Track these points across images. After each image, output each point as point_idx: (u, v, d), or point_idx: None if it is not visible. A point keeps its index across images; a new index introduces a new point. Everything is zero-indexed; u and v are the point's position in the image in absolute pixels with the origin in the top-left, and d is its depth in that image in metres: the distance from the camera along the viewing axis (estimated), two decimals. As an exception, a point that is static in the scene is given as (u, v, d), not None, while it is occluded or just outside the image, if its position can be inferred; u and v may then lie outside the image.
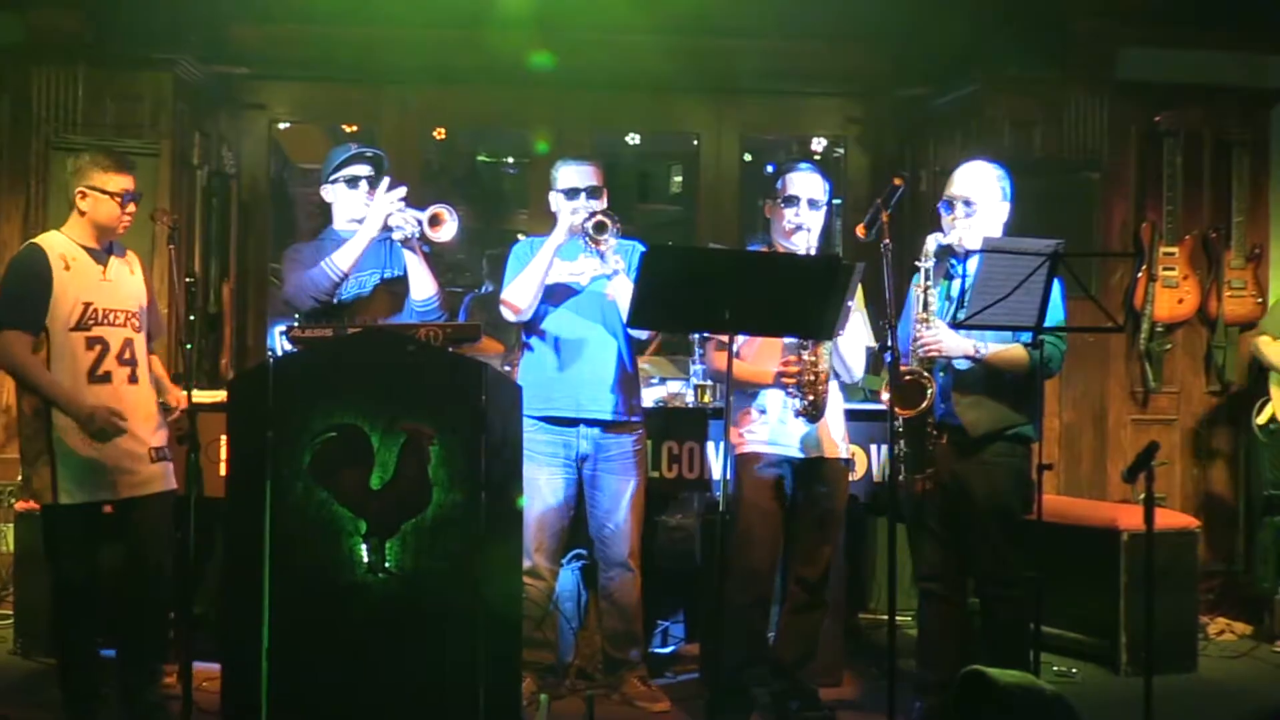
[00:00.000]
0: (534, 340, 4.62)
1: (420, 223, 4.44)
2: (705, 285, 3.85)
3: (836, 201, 6.90)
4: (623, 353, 4.59)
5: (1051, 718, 3.32)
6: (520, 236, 6.09)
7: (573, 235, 4.49)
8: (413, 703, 3.49)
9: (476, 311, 6.42)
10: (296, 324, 4.38)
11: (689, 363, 5.56)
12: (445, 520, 3.51)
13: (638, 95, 7.01)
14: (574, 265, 4.60)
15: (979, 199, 4.22)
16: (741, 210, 7.14)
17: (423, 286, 4.52)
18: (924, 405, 4.08)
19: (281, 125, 7.20)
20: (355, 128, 7.31)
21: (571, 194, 4.58)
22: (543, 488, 4.50)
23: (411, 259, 4.51)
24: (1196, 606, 5.39)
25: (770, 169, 6.39)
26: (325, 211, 4.76)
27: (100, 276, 4.12)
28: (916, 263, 4.22)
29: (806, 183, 4.36)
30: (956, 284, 4.21)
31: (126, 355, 4.12)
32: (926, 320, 4.14)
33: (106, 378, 4.07)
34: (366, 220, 4.45)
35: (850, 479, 4.58)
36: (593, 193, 4.58)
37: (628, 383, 4.59)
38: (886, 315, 3.94)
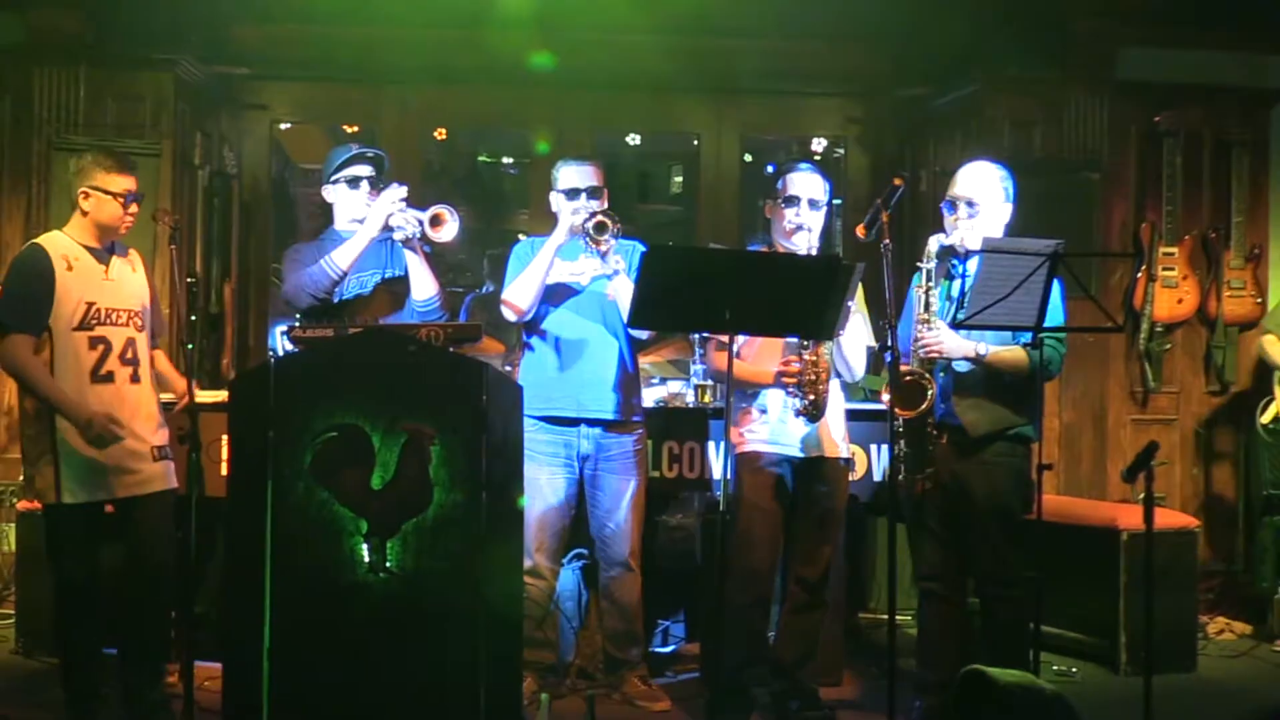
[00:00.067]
0: (535, 340, 4.63)
1: (421, 223, 4.45)
2: (706, 285, 3.86)
3: (837, 202, 6.90)
4: (623, 353, 4.60)
5: (1051, 717, 3.32)
6: (521, 236, 6.10)
7: (573, 235, 4.50)
8: (414, 702, 3.50)
9: (477, 311, 6.42)
10: (298, 324, 4.38)
11: (689, 363, 5.57)
12: (446, 520, 3.51)
13: (638, 95, 7.01)
14: (575, 265, 4.60)
15: (982, 199, 4.22)
16: (742, 210, 7.14)
17: (424, 286, 4.53)
18: (924, 406, 4.08)
19: (283, 125, 7.21)
20: (356, 128, 7.32)
21: (572, 194, 4.59)
22: (544, 487, 4.51)
23: (412, 259, 4.52)
24: (1196, 606, 5.39)
25: (770, 169, 6.41)
26: (326, 212, 4.77)
27: (103, 276, 4.13)
28: (918, 263, 4.22)
29: (807, 183, 4.37)
30: (958, 284, 4.21)
31: (129, 355, 4.13)
32: (928, 321, 4.15)
33: (109, 377, 4.07)
34: (367, 220, 4.46)
35: (850, 479, 4.58)
36: (593, 193, 4.58)
37: (628, 383, 4.60)
38: (886, 315, 3.95)
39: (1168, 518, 5.22)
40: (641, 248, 4.37)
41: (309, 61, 6.71)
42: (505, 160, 9.55)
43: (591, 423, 4.54)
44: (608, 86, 6.85)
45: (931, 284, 4.18)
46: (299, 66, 6.73)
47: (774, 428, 4.31)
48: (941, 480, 4.17)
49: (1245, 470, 6.22)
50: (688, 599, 5.26)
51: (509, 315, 4.59)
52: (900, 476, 4.12)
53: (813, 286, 3.91)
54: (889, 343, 3.93)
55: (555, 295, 4.58)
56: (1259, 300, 6.31)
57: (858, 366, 4.41)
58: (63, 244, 4.11)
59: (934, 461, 4.14)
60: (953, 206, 4.25)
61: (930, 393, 4.09)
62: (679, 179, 9.41)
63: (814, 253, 4.34)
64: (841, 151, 7.31)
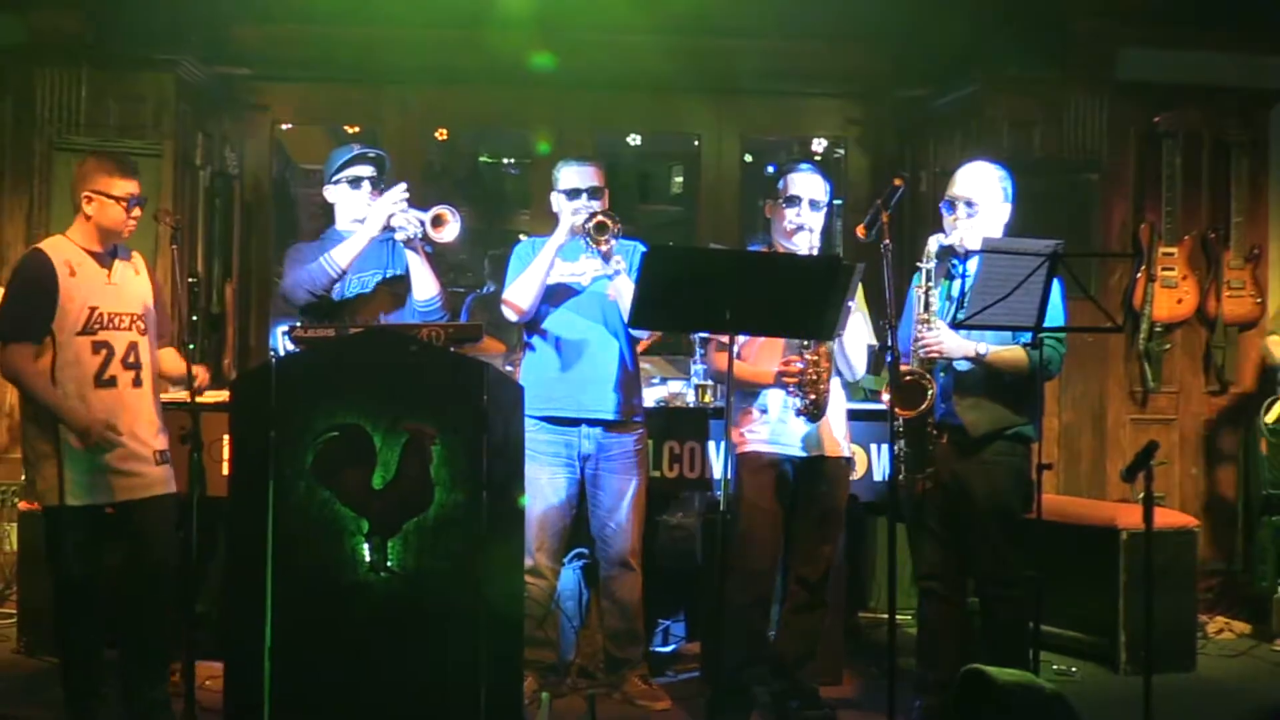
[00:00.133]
0: (536, 340, 4.64)
1: (423, 223, 4.46)
2: (706, 285, 3.87)
3: (837, 202, 6.91)
4: (624, 353, 4.61)
5: (1051, 717, 3.33)
6: (522, 237, 6.10)
7: (574, 236, 4.51)
8: (414, 701, 3.50)
9: (478, 312, 6.43)
10: (299, 324, 4.39)
11: (689, 363, 5.57)
12: (447, 520, 3.52)
13: (638, 96, 7.02)
14: (575, 265, 4.61)
15: (981, 199, 4.23)
16: (742, 211, 7.15)
17: (425, 287, 4.53)
18: (924, 406, 4.09)
19: (284, 126, 7.22)
20: (357, 128, 7.32)
21: (573, 194, 4.60)
22: (544, 487, 4.51)
23: (414, 259, 4.53)
24: (1195, 605, 5.40)
25: (771, 169, 6.41)
26: (328, 212, 4.78)
27: (105, 280, 4.13)
28: (918, 263, 4.23)
29: (807, 183, 4.38)
30: (957, 284, 4.22)
31: (131, 359, 4.13)
32: (928, 321, 4.16)
33: (112, 382, 4.08)
34: (368, 219, 4.47)
35: (850, 478, 4.58)
36: (594, 193, 4.59)
37: (629, 382, 4.61)
38: (886, 315, 3.96)
39: (1167, 517, 5.22)
40: (642, 248, 4.38)
41: (310, 62, 6.71)
42: (506, 160, 9.55)
43: (592, 423, 4.54)
44: (608, 87, 6.86)
45: (931, 284, 4.19)
46: (300, 67, 6.74)
47: (774, 427, 4.32)
48: (942, 480, 4.17)
49: (1245, 470, 6.22)
50: (688, 598, 5.27)
51: (510, 315, 4.60)
52: (900, 476, 4.13)
53: (813, 287, 3.91)
54: (889, 343, 3.94)
55: (556, 295, 4.59)
56: (1258, 300, 6.32)
57: (859, 366, 4.42)
58: (65, 249, 4.11)
59: (934, 461, 4.15)
60: (951, 206, 4.25)
61: (930, 393, 4.10)
62: (679, 179, 9.41)
63: (814, 253, 4.35)
64: (842, 152, 7.32)
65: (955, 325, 4.05)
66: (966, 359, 4.14)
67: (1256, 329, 6.34)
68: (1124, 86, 6.33)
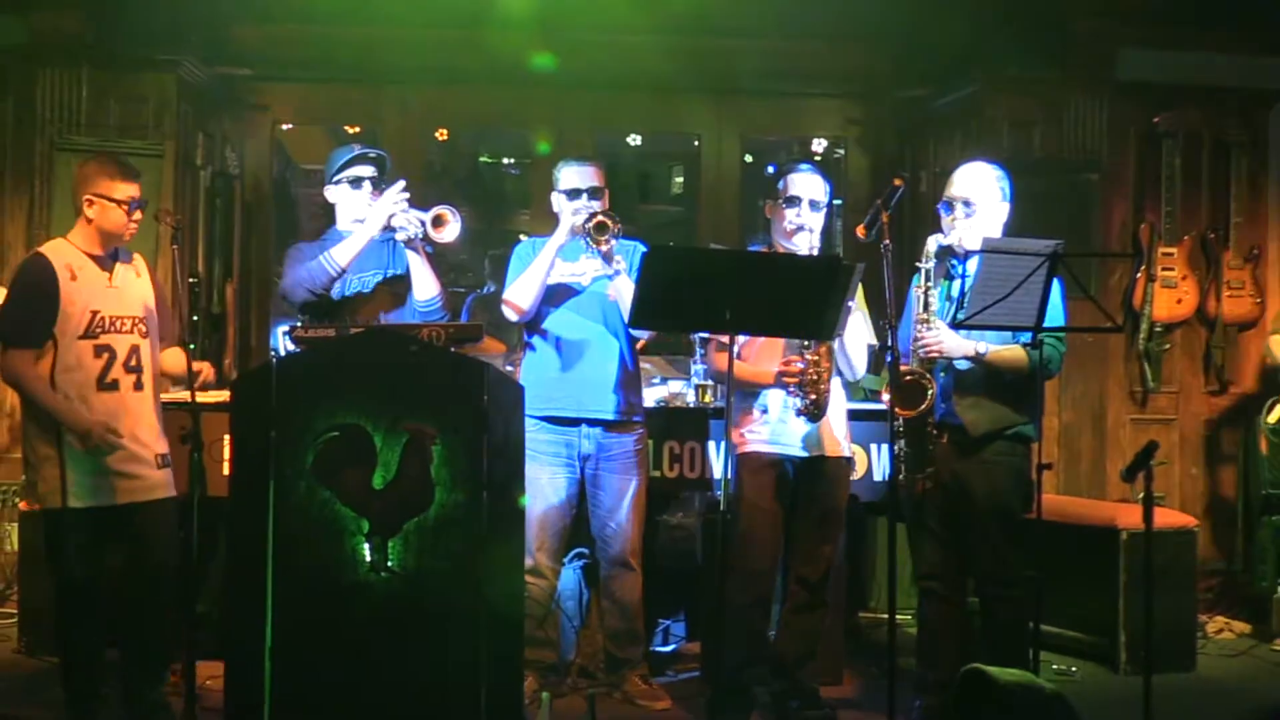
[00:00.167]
0: (536, 340, 4.64)
1: (423, 223, 4.46)
2: (706, 285, 3.87)
3: (837, 202, 6.91)
4: (624, 353, 4.61)
5: (1051, 716, 3.33)
6: (522, 237, 6.11)
7: (574, 236, 4.51)
8: (415, 701, 3.50)
9: (479, 312, 6.43)
10: (300, 324, 4.40)
11: (689, 363, 5.58)
12: (447, 520, 3.52)
13: (639, 96, 7.02)
14: (576, 265, 4.62)
15: (978, 199, 4.24)
16: (742, 211, 7.15)
17: (426, 287, 4.54)
18: (924, 406, 4.09)
19: (284, 126, 7.22)
20: (358, 129, 7.33)
21: (573, 194, 4.60)
22: (545, 487, 4.52)
23: (414, 259, 4.53)
24: (1195, 605, 5.41)
25: (771, 170, 6.40)
26: (328, 212, 4.78)
27: (106, 284, 4.13)
28: (917, 263, 4.24)
29: (807, 183, 4.38)
30: (957, 284, 4.23)
31: (133, 362, 4.14)
32: (927, 321, 4.16)
33: (114, 385, 4.08)
34: (368, 218, 4.48)
35: (850, 478, 4.59)
36: (594, 193, 4.60)
37: (629, 382, 4.61)
38: (887, 315, 3.96)
39: (1167, 517, 5.22)
40: (642, 248, 4.38)
41: (310, 62, 6.72)
42: (506, 160, 9.56)
43: (592, 422, 4.55)
44: (608, 87, 6.86)
45: (930, 284, 4.19)
46: (301, 67, 6.74)
47: (775, 427, 4.32)
48: (942, 480, 4.18)
49: (1244, 470, 6.22)
50: (688, 598, 5.28)
51: (510, 315, 4.60)
52: (900, 476, 4.13)
53: (813, 287, 3.92)
54: (889, 342, 3.95)
55: (556, 295, 4.59)
56: (1258, 300, 6.33)
57: (859, 365, 4.43)
58: (66, 252, 4.11)
59: (934, 461, 4.15)
60: (949, 207, 4.26)
61: (930, 392, 4.10)
62: (680, 179, 9.41)
63: (815, 253, 4.35)
64: (842, 152, 7.32)
65: (955, 325, 4.06)
66: (966, 358, 4.15)
67: (1256, 329, 6.35)
68: (1124, 87, 6.34)
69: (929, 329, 4.15)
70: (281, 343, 5.02)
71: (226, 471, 4.00)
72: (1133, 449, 5.63)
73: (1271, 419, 5.83)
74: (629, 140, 8.09)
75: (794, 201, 4.36)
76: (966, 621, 4.35)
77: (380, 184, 4.61)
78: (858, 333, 4.38)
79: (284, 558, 3.53)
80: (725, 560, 4.10)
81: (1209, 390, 6.44)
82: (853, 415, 4.58)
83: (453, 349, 3.86)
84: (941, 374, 4.20)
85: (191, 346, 4.20)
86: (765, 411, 4.33)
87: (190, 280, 6.16)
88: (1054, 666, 5.01)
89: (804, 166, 4.48)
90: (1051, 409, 6.03)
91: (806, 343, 4.20)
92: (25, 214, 6.04)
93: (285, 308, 4.80)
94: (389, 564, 3.52)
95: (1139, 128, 6.37)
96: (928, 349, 4.14)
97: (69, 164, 5.23)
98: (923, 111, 6.74)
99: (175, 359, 4.33)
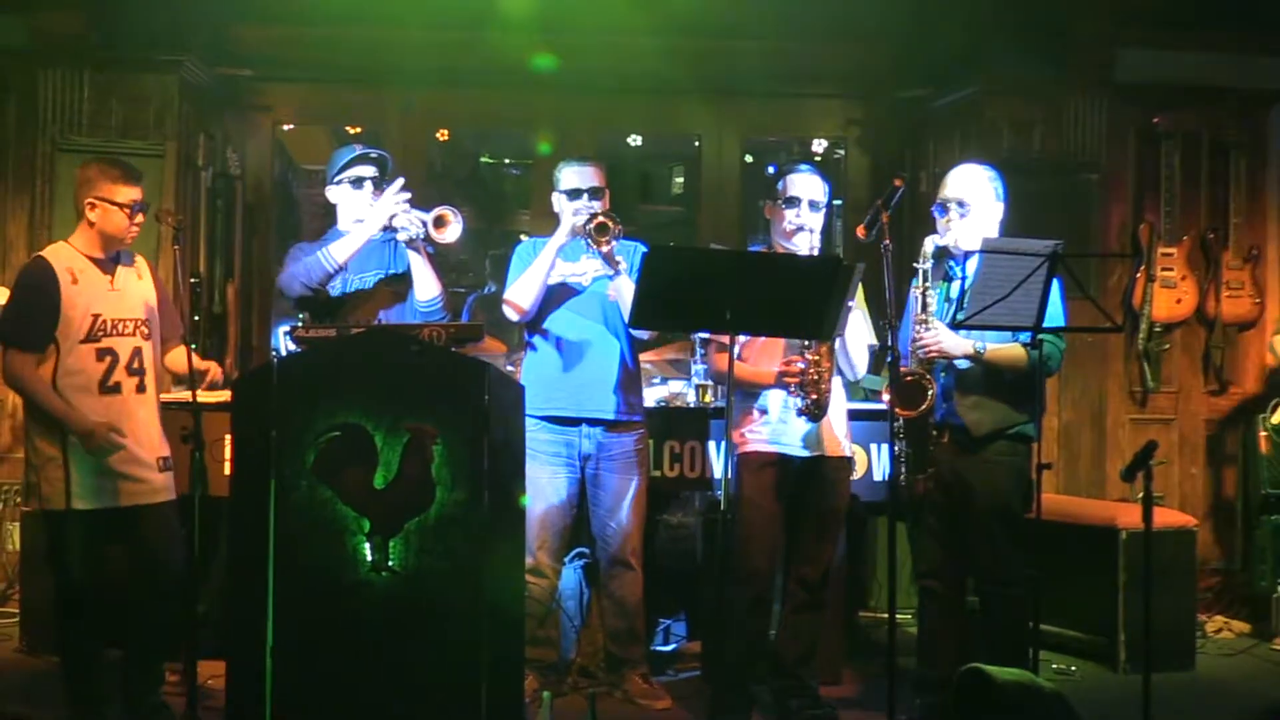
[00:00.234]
0: (537, 340, 4.65)
1: (425, 224, 4.47)
2: (706, 286, 3.88)
3: (837, 203, 6.92)
4: (624, 353, 4.62)
5: (1050, 715, 3.34)
6: (523, 237, 6.11)
7: (575, 237, 4.52)
8: (416, 700, 3.51)
9: (479, 312, 6.45)
10: (300, 324, 4.40)
11: (690, 363, 5.59)
12: (448, 519, 3.53)
13: (639, 97, 7.02)
14: (576, 266, 4.63)
15: (972, 200, 4.25)
16: (742, 211, 7.16)
17: (427, 287, 4.55)
18: (925, 406, 4.10)
19: (286, 127, 7.23)
20: (359, 129, 7.33)
21: (574, 195, 4.61)
22: (545, 486, 4.53)
23: (416, 260, 4.54)
24: (1195, 605, 5.42)
25: (771, 170, 6.41)
26: (330, 212, 4.79)
27: (108, 287, 4.14)
28: (915, 264, 4.25)
29: (807, 184, 4.39)
30: (955, 285, 4.24)
31: (135, 365, 4.14)
32: (925, 321, 4.17)
33: (116, 388, 4.09)
34: (369, 216, 4.49)
35: (851, 478, 4.60)
36: (595, 193, 4.61)
37: (629, 382, 4.62)
38: (887, 316, 3.97)
39: (1166, 517, 5.23)
40: (643, 248, 4.39)
41: (312, 63, 6.72)
42: (507, 161, 9.55)
43: (593, 422, 4.56)
44: (609, 88, 6.87)
45: (928, 284, 4.20)
46: (302, 68, 6.75)
47: (775, 427, 4.33)
48: (943, 479, 4.19)
49: (1244, 469, 6.23)
50: (689, 598, 5.28)
51: (511, 315, 4.61)
52: (901, 477, 4.14)
53: (813, 287, 3.93)
54: (890, 342, 3.96)
55: (557, 295, 4.60)
56: (1257, 300, 6.34)
57: (860, 365, 4.43)
58: (67, 256, 4.12)
59: (935, 461, 4.16)
60: (944, 209, 4.28)
61: (930, 393, 4.11)
62: (680, 180, 9.41)
63: (815, 253, 4.36)
64: (842, 153, 7.32)
65: (955, 325, 4.07)
66: (966, 357, 4.16)
67: (1255, 329, 6.36)
68: (1123, 88, 6.34)
69: (927, 329, 4.16)
70: (282, 343, 5.02)
71: (228, 471, 4.01)
72: (1132, 449, 5.63)
73: (1275, 419, 5.84)
74: (629, 141, 8.09)
75: (794, 202, 4.37)
76: (966, 620, 4.36)
77: (382, 184, 4.62)
78: (858, 332, 4.39)
79: (285, 557, 3.54)
80: (725, 560, 4.11)
81: (1208, 390, 6.45)
82: (853, 415, 4.59)
83: (454, 349, 3.87)
84: (942, 374, 4.21)
85: (193, 347, 4.20)
86: (765, 412, 4.34)
87: (192, 280, 6.18)
88: (1053, 666, 5.02)
89: (803, 167, 4.49)
90: (1051, 409, 6.03)
91: (807, 342, 4.21)
92: (27, 214, 6.05)
93: (286, 307, 4.81)
94: (390, 563, 3.53)
95: (1138, 128, 6.37)
96: (926, 349, 4.15)
97: (71, 164, 5.24)
98: (923, 112, 6.75)
99: (182, 359, 4.33)
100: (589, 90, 6.83)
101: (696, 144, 7.28)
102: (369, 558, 3.53)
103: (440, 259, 4.77)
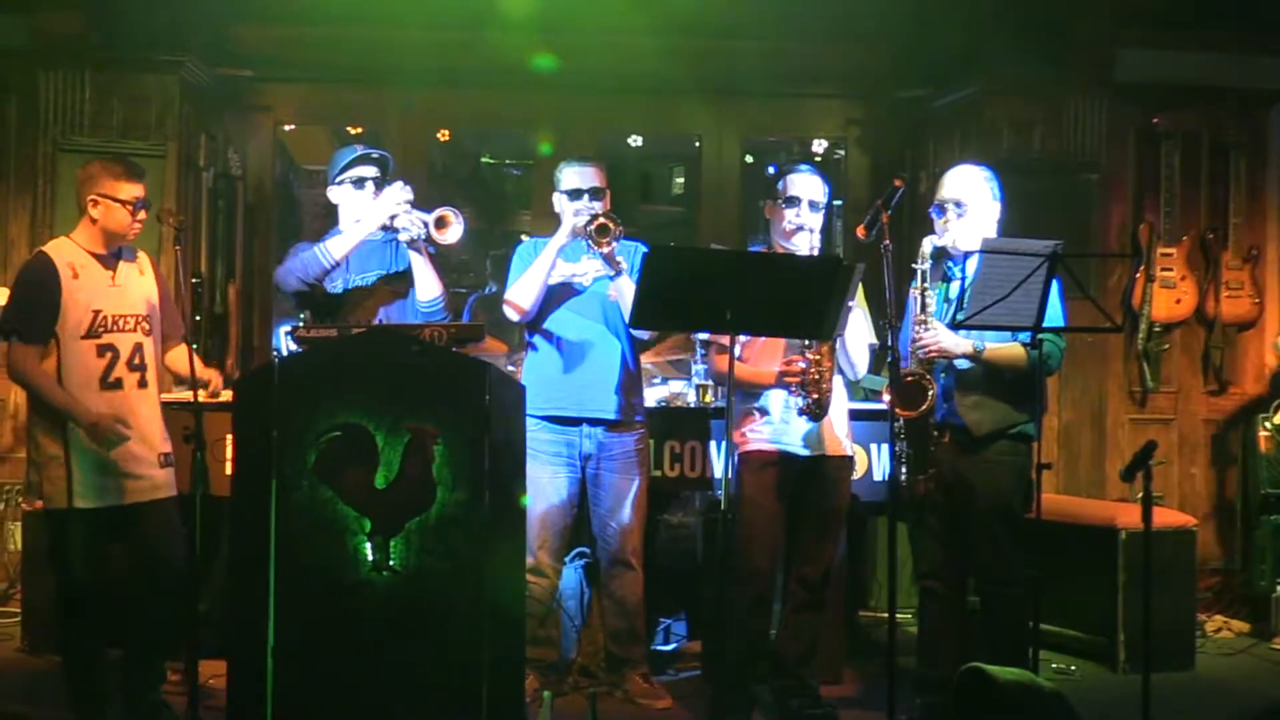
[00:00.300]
0: (537, 340, 4.66)
1: (426, 225, 4.48)
2: (707, 286, 3.89)
3: (837, 203, 6.93)
4: (625, 353, 4.63)
5: (1050, 715, 3.35)
6: (524, 237, 6.11)
7: (575, 237, 4.53)
8: (416, 700, 3.52)
9: (480, 312, 6.45)
10: (301, 324, 4.41)
11: (690, 363, 5.59)
12: (449, 519, 3.54)
13: (640, 97, 7.03)
14: (577, 266, 4.63)
15: (969, 200, 4.26)
16: (743, 211, 7.16)
17: (428, 287, 4.55)
18: (925, 406, 4.11)
19: (287, 127, 7.24)
20: (360, 129, 7.34)
21: (574, 195, 4.62)
22: (546, 486, 4.53)
23: (417, 260, 4.55)
24: (1194, 604, 5.42)
25: (771, 170, 6.42)
26: (331, 213, 4.79)
27: (109, 283, 4.14)
28: (913, 265, 4.25)
29: (807, 184, 4.39)
30: (955, 285, 4.25)
31: (136, 360, 4.15)
32: (925, 321, 4.18)
33: (118, 384, 4.10)
34: (368, 215, 4.49)
35: (851, 478, 4.60)
36: (595, 194, 4.61)
37: (630, 382, 4.63)
38: (887, 316, 3.98)
39: (1166, 517, 5.24)
40: (643, 248, 4.40)
41: (313, 63, 6.73)
42: (508, 161, 9.56)
43: (593, 422, 4.56)
44: (610, 88, 6.87)
45: (927, 285, 4.21)
46: (303, 68, 6.76)
47: (776, 427, 4.33)
48: (944, 479, 4.20)
49: (1243, 469, 6.24)
50: (689, 597, 5.28)
51: (511, 315, 4.62)
52: (902, 477, 4.15)
53: (813, 287, 3.93)
54: (890, 342, 3.96)
55: (557, 296, 4.61)
56: (1256, 301, 6.34)
57: (861, 364, 4.44)
58: (69, 251, 4.13)
59: (935, 461, 4.17)
60: (941, 210, 4.29)
61: (931, 393, 4.12)
62: (680, 180, 9.41)
63: (815, 253, 4.37)
64: (842, 153, 7.33)
65: (954, 326, 4.07)
66: (965, 356, 4.16)
67: (1255, 329, 6.36)
68: (1123, 88, 6.35)
69: (926, 329, 4.17)
70: (284, 342, 5.03)
71: (229, 471, 4.01)
72: (1132, 449, 5.63)
73: (1277, 419, 5.85)
74: (630, 141, 8.10)
75: (793, 202, 4.37)
76: (966, 620, 4.36)
77: (383, 184, 4.62)
78: (858, 332, 4.39)
79: (286, 557, 3.54)
80: (726, 559, 4.12)
81: (1208, 390, 6.46)
82: (853, 415, 4.59)
83: (454, 349, 3.88)
84: (942, 374, 4.21)
85: (195, 347, 4.20)
86: (766, 412, 4.34)
87: (193, 280, 6.19)
88: (1053, 665, 5.02)
89: (803, 167, 4.49)
90: (1051, 409, 6.04)
91: (808, 342, 4.22)
92: (29, 214, 6.06)
93: (288, 307, 4.82)
94: (391, 563, 3.53)
95: (1138, 128, 6.38)
96: (926, 349, 4.16)
97: (72, 165, 5.24)
98: (923, 112, 6.75)
99: (183, 360, 4.34)
100: (589, 90, 6.84)
101: (697, 144, 7.29)
102: (370, 557, 3.54)
103: (441, 259, 4.78)
